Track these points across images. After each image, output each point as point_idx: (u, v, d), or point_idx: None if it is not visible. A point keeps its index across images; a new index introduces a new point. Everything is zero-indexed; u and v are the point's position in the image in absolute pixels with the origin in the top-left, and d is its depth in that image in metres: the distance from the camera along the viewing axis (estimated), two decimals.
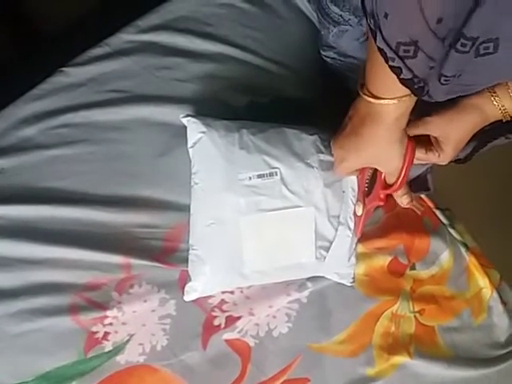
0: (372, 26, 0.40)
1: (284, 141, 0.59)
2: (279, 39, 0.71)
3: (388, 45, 0.40)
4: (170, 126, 0.65)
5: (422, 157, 0.56)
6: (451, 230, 0.72)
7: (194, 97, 0.66)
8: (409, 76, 0.42)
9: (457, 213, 0.74)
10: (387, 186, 0.56)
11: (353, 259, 0.63)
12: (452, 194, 0.76)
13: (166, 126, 0.65)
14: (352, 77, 0.67)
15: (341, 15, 0.62)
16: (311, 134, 0.60)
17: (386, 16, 0.39)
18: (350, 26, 0.62)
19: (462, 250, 0.71)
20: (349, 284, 0.63)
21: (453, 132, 0.53)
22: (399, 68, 0.41)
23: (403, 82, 0.43)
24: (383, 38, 0.40)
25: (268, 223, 0.57)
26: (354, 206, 0.60)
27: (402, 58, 0.40)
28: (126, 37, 0.69)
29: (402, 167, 0.53)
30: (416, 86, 0.43)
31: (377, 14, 0.39)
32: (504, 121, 0.53)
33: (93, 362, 0.56)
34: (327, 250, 0.59)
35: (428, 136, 0.55)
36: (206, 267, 0.58)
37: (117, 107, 0.65)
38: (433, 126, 0.54)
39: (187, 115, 0.60)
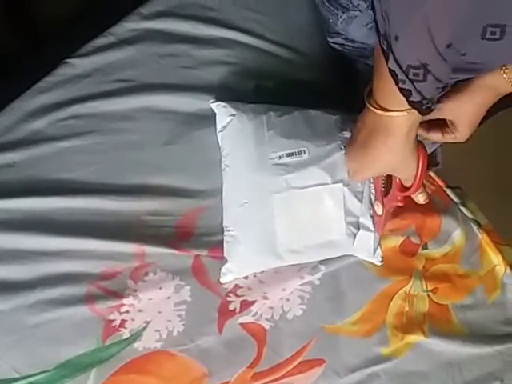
0: (385, 48, 0.41)
1: (309, 121, 0.60)
2: (284, 22, 0.71)
3: (400, 67, 0.40)
4: (176, 113, 0.65)
5: (440, 138, 0.56)
6: (462, 208, 0.71)
7: (199, 83, 0.66)
8: (418, 99, 0.42)
9: (467, 191, 0.73)
10: (404, 188, 0.56)
11: (378, 251, 0.63)
12: (462, 172, 0.76)
13: (172, 113, 0.65)
14: (360, 60, 0.67)
15: (350, 0, 0.61)
16: (333, 114, 0.62)
17: (396, 38, 0.39)
18: (359, 11, 0.62)
19: (474, 227, 0.70)
20: (378, 263, 0.64)
21: (466, 113, 0.54)
22: (409, 91, 0.42)
23: (412, 104, 0.43)
24: (395, 60, 0.40)
25: (299, 201, 0.58)
26: (374, 201, 0.60)
27: (412, 81, 0.41)
28: (129, 25, 0.68)
29: (417, 172, 0.52)
30: (424, 107, 0.43)
31: (389, 36, 0.40)
32: None
33: (111, 350, 0.57)
34: (356, 225, 0.60)
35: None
36: (241, 247, 0.59)
37: (123, 97, 0.65)
38: (445, 111, 0.54)
39: (215, 100, 0.62)
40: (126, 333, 0.58)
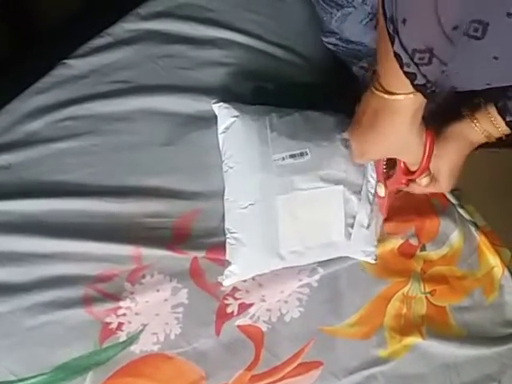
0: (391, 31, 0.41)
1: (309, 123, 0.61)
2: (283, 23, 0.71)
3: (405, 50, 0.40)
4: (174, 115, 0.65)
5: (422, 190, 0.59)
6: (460, 210, 0.71)
7: (197, 85, 0.66)
8: (422, 82, 0.42)
9: (466, 192, 0.73)
10: (408, 172, 0.56)
11: (373, 249, 0.64)
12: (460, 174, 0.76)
13: (170, 115, 0.65)
14: (355, 63, 0.67)
15: None
16: (331, 116, 0.62)
17: (404, 21, 0.39)
18: (354, 7, 0.62)
19: (472, 229, 0.70)
20: (373, 261, 0.64)
21: (443, 165, 0.56)
22: (414, 74, 0.42)
23: (416, 87, 0.43)
24: (401, 44, 0.40)
25: (302, 202, 0.58)
26: (376, 185, 0.61)
27: (417, 65, 0.41)
28: (127, 26, 0.68)
29: (423, 157, 0.52)
30: (428, 91, 0.43)
31: (396, 19, 0.39)
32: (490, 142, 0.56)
33: (108, 352, 0.57)
34: (353, 225, 0.60)
35: None
36: (245, 249, 0.59)
37: (121, 98, 0.65)
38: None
39: (218, 101, 0.62)
40: (122, 336, 0.58)
